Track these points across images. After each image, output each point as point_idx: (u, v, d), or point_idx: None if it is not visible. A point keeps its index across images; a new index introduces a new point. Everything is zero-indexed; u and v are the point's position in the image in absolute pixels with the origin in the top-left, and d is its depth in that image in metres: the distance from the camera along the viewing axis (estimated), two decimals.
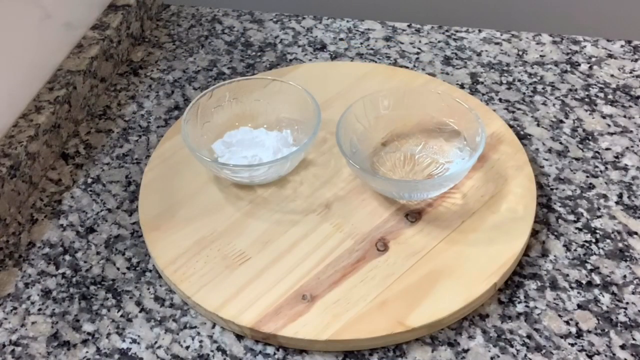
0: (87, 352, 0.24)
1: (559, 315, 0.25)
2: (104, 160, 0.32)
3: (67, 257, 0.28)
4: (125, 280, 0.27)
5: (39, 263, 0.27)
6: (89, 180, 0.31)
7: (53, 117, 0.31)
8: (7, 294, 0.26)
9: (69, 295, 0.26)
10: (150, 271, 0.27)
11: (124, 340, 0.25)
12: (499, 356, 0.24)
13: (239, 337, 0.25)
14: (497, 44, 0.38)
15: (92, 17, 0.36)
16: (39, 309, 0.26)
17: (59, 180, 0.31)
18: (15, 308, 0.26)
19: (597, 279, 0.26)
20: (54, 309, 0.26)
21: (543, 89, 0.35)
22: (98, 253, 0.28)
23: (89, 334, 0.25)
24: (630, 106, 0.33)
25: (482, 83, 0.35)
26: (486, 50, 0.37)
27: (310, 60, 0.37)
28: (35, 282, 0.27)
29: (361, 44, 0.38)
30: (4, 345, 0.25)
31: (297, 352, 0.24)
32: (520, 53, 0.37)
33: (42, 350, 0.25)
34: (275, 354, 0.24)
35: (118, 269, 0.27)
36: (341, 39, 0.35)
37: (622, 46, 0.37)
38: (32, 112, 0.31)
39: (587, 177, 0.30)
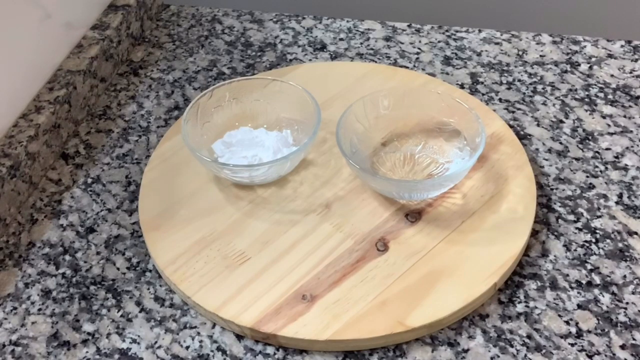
0: (87, 352, 0.24)
1: (559, 315, 0.25)
2: (104, 160, 0.32)
3: (67, 257, 0.28)
4: (125, 280, 0.27)
5: (39, 263, 0.27)
6: (89, 180, 0.31)
7: (53, 117, 0.31)
8: (7, 294, 0.26)
9: (69, 295, 0.26)
10: (150, 271, 0.27)
11: (124, 340, 0.25)
12: (499, 356, 0.24)
13: (239, 337, 0.25)
14: (497, 44, 0.38)
15: (92, 17, 0.36)
16: (39, 309, 0.26)
17: (59, 180, 0.31)
18: (15, 308, 0.26)
19: (597, 279, 0.26)
20: (54, 309, 0.26)
21: (543, 89, 0.35)
22: (98, 253, 0.28)
23: (89, 334, 0.25)
24: (630, 106, 0.33)
25: (482, 83, 0.35)
26: (486, 50, 0.37)
27: (310, 60, 0.37)
28: (35, 282, 0.27)
29: (361, 44, 0.38)
30: (4, 345, 0.25)
31: (297, 352, 0.24)
32: (520, 53, 0.37)
33: (42, 350, 0.25)
34: (275, 354, 0.24)
35: (118, 269, 0.27)
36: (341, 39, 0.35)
37: (622, 46, 0.37)
38: (32, 112, 0.31)
39: (587, 177, 0.30)
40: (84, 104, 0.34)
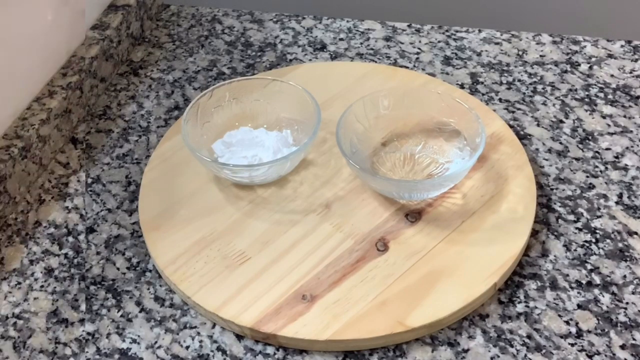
0: (87, 351, 0.25)
1: (559, 315, 0.25)
2: (104, 160, 0.32)
3: (70, 239, 0.28)
4: (125, 280, 0.27)
5: (43, 242, 0.28)
6: (89, 181, 0.31)
7: (65, 102, 0.31)
8: (13, 269, 0.27)
9: (69, 275, 0.27)
10: (150, 271, 0.27)
11: (124, 340, 0.25)
12: (499, 356, 0.24)
13: (239, 337, 0.25)
14: (497, 44, 0.38)
15: (92, 17, 0.36)
16: (41, 286, 0.26)
17: (67, 163, 0.31)
18: (19, 283, 0.27)
19: (597, 279, 0.26)
20: (55, 287, 0.26)
21: (543, 89, 0.35)
22: (98, 253, 0.28)
23: (89, 334, 0.25)
24: (630, 106, 0.33)
25: (482, 83, 0.35)
26: (486, 50, 0.37)
27: (310, 60, 0.37)
28: (39, 260, 0.27)
29: (361, 44, 0.38)
30: (7, 317, 0.25)
31: (297, 352, 0.24)
32: (520, 53, 0.37)
33: (42, 325, 0.25)
34: (275, 354, 0.24)
35: (118, 269, 0.27)
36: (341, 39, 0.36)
37: (622, 46, 0.37)
38: (46, 97, 0.31)
39: (587, 177, 0.30)
40: (84, 104, 0.34)
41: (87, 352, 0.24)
